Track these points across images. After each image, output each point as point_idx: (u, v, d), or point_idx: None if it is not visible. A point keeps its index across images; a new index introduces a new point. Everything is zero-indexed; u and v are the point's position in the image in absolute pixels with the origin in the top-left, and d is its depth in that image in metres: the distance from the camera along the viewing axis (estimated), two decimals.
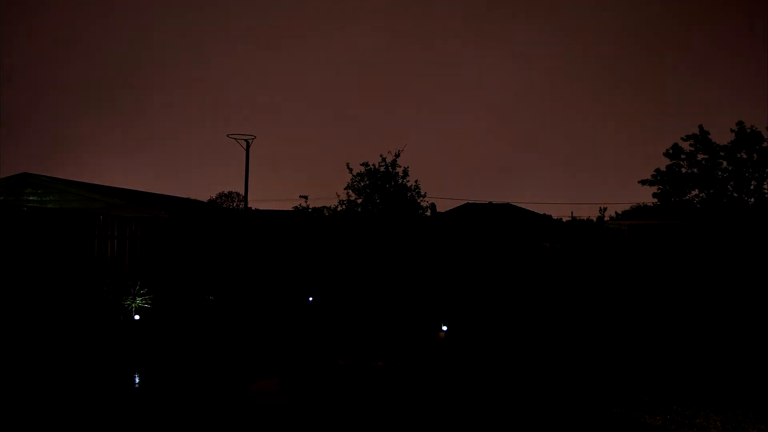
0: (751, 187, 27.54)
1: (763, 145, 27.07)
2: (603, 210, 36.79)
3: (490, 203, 36.84)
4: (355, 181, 21.03)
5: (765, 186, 27.46)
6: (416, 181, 21.33)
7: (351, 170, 21.11)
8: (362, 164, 21.21)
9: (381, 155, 21.05)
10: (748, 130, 27.36)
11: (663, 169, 29.82)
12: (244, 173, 18.80)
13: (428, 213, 23.13)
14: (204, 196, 56.37)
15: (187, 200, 23.85)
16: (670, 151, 29.45)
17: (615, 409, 7.28)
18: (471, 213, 34.52)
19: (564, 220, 38.16)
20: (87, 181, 19.65)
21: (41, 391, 7.62)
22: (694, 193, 29.01)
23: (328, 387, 8.15)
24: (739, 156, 27.56)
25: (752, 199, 27.36)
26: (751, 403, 7.58)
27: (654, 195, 30.40)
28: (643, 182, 30.32)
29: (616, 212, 38.22)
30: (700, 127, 28.66)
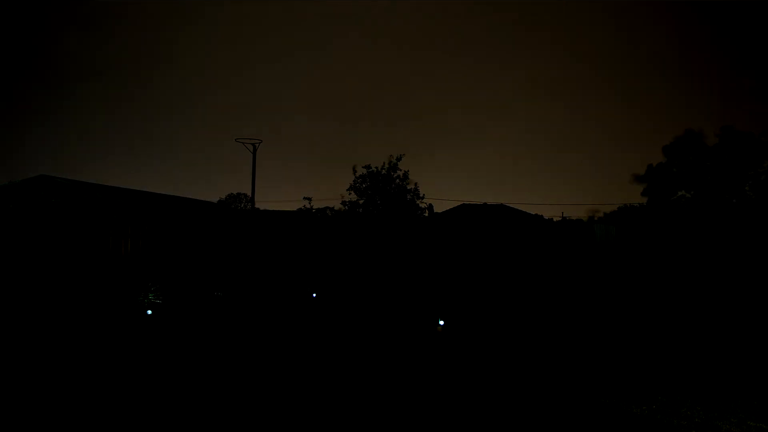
0: (734, 188, 28.38)
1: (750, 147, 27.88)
2: (593, 212, 37.54)
3: (485, 204, 37.40)
4: (358, 182, 21.50)
5: (747, 187, 28.33)
6: (416, 184, 21.92)
7: (355, 172, 21.68)
8: (364, 167, 21.83)
9: (383, 160, 21.78)
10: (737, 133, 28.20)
11: (653, 169, 30.80)
12: (250, 175, 19.31)
13: (426, 213, 23.64)
14: (213, 197, 56.63)
15: (197, 201, 24.21)
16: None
17: (603, 399, 7.80)
18: (467, 213, 35.09)
19: (555, 220, 38.79)
20: (101, 183, 19.96)
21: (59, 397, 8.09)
22: (681, 193, 29.89)
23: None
24: (724, 158, 28.39)
25: (734, 200, 28.17)
26: (733, 393, 8.08)
27: (643, 194, 31.32)
28: (637, 177, 31.46)
29: (604, 213, 38.92)
30: (687, 130, 29.53)
